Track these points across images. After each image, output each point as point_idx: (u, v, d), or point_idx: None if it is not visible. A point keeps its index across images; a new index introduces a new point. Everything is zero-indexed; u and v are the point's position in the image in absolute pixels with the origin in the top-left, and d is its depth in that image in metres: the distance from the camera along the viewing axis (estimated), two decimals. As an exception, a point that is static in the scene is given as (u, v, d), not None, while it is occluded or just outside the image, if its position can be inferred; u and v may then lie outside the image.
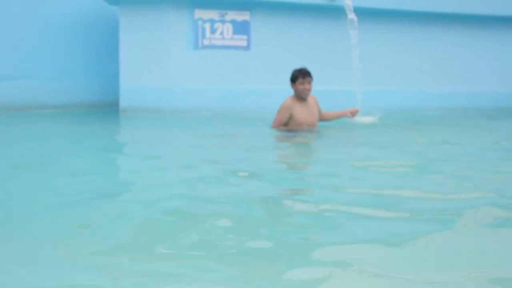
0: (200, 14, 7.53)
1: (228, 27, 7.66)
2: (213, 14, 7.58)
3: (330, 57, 8.17)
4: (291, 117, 5.07)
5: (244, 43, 7.73)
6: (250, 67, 7.66)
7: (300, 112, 5.07)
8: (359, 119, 6.83)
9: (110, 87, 8.58)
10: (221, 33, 7.64)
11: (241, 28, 7.71)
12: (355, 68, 7.46)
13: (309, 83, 5.05)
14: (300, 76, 4.98)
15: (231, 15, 7.66)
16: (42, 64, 8.01)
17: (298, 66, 7.86)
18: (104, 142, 4.86)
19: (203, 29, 7.56)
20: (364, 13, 7.80)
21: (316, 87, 7.91)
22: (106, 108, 8.41)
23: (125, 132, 5.97)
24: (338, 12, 7.64)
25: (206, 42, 7.59)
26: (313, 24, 8.08)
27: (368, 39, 8.05)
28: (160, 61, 7.55)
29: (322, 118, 5.47)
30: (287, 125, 5.12)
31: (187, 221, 2.07)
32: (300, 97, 5.07)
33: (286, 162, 3.78)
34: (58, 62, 8.17)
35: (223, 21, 7.64)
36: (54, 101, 8.12)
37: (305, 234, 1.93)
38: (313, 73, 8.03)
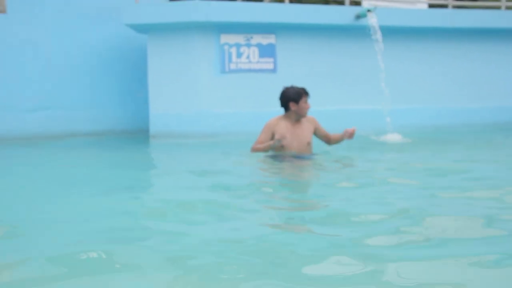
0: (226, 39, 7.63)
1: (254, 51, 7.73)
2: (239, 39, 7.67)
3: (356, 76, 8.14)
4: (273, 137, 4.65)
5: (271, 66, 7.78)
6: (277, 89, 7.63)
7: (283, 133, 4.63)
8: (385, 138, 6.77)
9: (139, 114, 8.72)
10: (247, 57, 7.71)
11: (267, 51, 7.76)
12: (382, 87, 7.41)
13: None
14: (304, 94, 4.73)
15: (257, 39, 7.73)
16: (74, 94, 8.21)
17: (324, 87, 7.98)
18: (134, 169, 4.91)
19: (230, 54, 7.64)
20: (389, 31, 7.78)
21: (343, 106, 7.96)
22: (136, 134, 8.52)
23: (154, 158, 6.03)
24: (363, 31, 7.64)
25: (232, 66, 7.66)
26: (339, 45, 8.08)
27: (393, 57, 8.01)
28: (188, 87, 7.64)
29: (327, 141, 5.04)
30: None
31: (205, 245, 2.06)
32: (298, 116, 4.73)
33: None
34: (88, 91, 8.36)
35: (249, 45, 7.71)
36: (85, 129, 8.29)
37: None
38: (340, 93, 8.11)
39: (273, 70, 7.80)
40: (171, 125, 7.55)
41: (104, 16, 8.40)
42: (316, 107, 7.90)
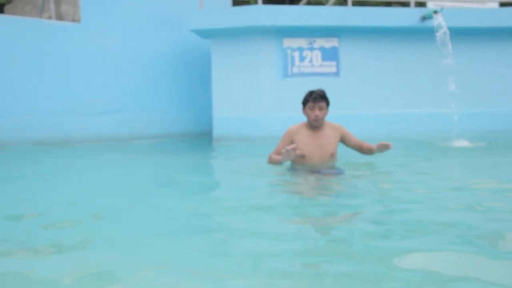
0: (289, 43, 7.66)
1: (317, 54, 7.71)
2: (302, 42, 7.68)
3: (422, 80, 7.96)
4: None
5: (333, 69, 7.73)
6: (340, 93, 7.63)
7: (303, 142, 4.08)
8: (453, 143, 6.56)
9: (203, 117, 8.93)
10: (310, 61, 7.71)
11: (330, 54, 7.73)
12: (449, 90, 7.20)
13: (322, 109, 4.05)
14: (310, 99, 4.05)
15: (320, 42, 7.71)
16: (140, 98, 8.51)
17: (388, 90, 7.84)
18: (198, 172, 5.02)
19: (292, 58, 7.67)
20: (456, 33, 7.55)
21: (409, 110, 7.79)
22: (200, 137, 8.72)
23: (218, 161, 6.13)
24: (429, 33, 7.46)
25: (295, 70, 7.68)
26: (404, 47, 7.93)
27: (461, 59, 7.77)
28: (251, 91, 7.73)
29: (360, 150, 4.31)
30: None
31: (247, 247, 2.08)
32: (311, 125, 4.12)
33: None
34: (154, 95, 8.65)
35: (311, 49, 7.71)
36: (151, 132, 8.57)
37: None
38: (405, 97, 7.94)
39: (336, 74, 7.75)
40: (234, 128, 7.66)
41: (170, 23, 8.67)
42: (381, 111, 7.83)
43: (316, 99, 4.02)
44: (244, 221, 2.59)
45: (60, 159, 6.14)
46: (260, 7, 7.45)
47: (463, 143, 6.48)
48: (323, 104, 4.05)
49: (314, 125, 4.09)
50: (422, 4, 9.21)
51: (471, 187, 3.51)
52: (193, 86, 9.06)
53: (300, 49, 7.69)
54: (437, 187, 3.48)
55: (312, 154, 4.05)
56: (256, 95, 7.73)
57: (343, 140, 4.24)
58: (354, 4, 11.80)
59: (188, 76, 9.01)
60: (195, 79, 9.07)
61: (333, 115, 7.48)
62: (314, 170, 3.95)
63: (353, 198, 3.17)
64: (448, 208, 2.78)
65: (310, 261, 1.93)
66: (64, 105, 7.79)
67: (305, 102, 4.10)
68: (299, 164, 4.10)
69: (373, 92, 7.81)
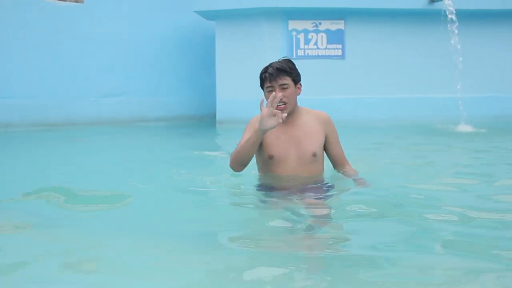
0: (294, 25, 7.56)
1: (323, 37, 7.61)
2: (307, 25, 7.57)
3: (429, 64, 7.83)
4: (260, 144, 2.75)
5: (339, 52, 7.63)
6: (346, 76, 7.54)
7: (272, 138, 2.77)
8: (458, 128, 6.51)
9: (207, 100, 8.86)
10: (315, 43, 7.60)
11: (335, 37, 7.62)
12: (457, 74, 7.11)
13: (285, 88, 2.76)
14: (267, 78, 2.80)
15: (325, 25, 7.60)
16: (143, 80, 8.43)
17: (394, 74, 7.74)
18: (199, 154, 5.00)
19: (297, 40, 7.57)
20: (465, 15, 7.42)
21: (415, 95, 7.69)
22: (203, 120, 8.67)
23: (219, 144, 6.10)
24: (437, 16, 7.33)
25: (300, 52, 7.59)
26: (411, 30, 7.79)
27: (470, 43, 7.63)
28: (255, 73, 7.55)
29: (337, 165, 2.95)
30: (257, 160, 2.90)
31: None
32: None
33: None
34: (158, 78, 8.57)
35: (317, 31, 7.60)
36: (154, 114, 8.50)
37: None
38: (411, 81, 7.84)
39: (342, 57, 7.65)
40: (238, 111, 7.59)
41: (174, 4, 8.55)
42: (387, 95, 7.74)
43: (272, 76, 2.76)
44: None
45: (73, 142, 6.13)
46: (265, -12, 7.33)
47: (467, 128, 6.43)
48: (285, 80, 2.76)
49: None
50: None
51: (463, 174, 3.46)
52: (197, 69, 8.98)
53: (306, 32, 7.58)
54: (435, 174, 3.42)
55: (283, 154, 2.76)
56: (261, 78, 7.63)
57: (326, 141, 2.87)
58: (360, -14, 11.60)
59: (192, 58, 8.92)
60: (199, 62, 8.97)
61: (339, 98, 7.47)
62: (291, 190, 2.66)
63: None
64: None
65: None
66: (67, 87, 7.74)
67: (261, 83, 2.87)
68: (269, 176, 2.82)
69: (379, 75, 7.71)
